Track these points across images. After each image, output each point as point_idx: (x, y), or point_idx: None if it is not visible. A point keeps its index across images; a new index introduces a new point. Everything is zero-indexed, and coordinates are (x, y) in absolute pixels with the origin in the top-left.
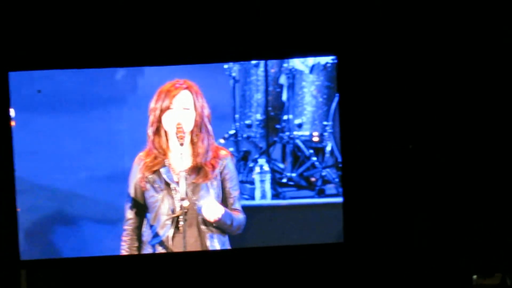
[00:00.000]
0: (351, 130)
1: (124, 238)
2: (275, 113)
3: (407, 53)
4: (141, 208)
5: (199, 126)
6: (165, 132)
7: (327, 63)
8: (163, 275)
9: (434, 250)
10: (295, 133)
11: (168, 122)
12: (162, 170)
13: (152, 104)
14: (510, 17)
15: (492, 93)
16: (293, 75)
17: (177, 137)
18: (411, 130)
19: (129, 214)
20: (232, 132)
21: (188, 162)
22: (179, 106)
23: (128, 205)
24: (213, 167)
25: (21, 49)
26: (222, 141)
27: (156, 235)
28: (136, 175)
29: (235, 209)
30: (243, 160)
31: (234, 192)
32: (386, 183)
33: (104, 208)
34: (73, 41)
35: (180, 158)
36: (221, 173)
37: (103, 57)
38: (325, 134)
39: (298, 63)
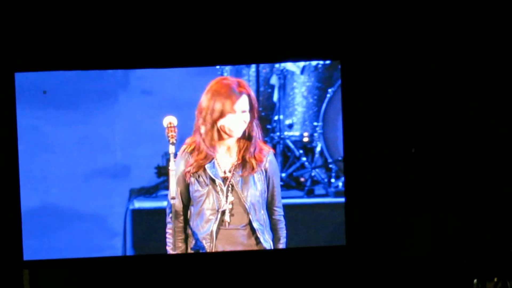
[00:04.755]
0: (354, 133)
1: (168, 231)
2: (266, 114)
3: (409, 57)
4: (185, 202)
5: (251, 125)
6: (219, 132)
7: (318, 64)
8: (158, 275)
9: (436, 253)
10: (285, 133)
11: (226, 124)
12: (207, 166)
13: (206, 102)
14: None
15: (495, 98)
16: (284, 76)
17: (168, 136)
18: (414, 134)
19: (172, 208)
20: None
21: (234, 159)
22: (239, 110)
23: (170, 198)
24: (259, 160)
25: (27, 50)
26: None
27: (200, 229)
28: (180, 167)
29: (275, 210)
30: None
31: (277, 187)
32: (388, 186)
33: (103, 206)
34: (75, 43)
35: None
36: (265, 169)
37: (101, 58)
38: (315, 134)
39: (289, 64)
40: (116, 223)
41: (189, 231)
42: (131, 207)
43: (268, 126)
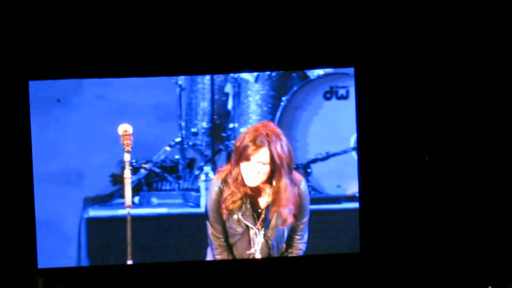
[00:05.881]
0: (368, 140)
1: (215, 251)
2: (221, 122)
3: (423, 65)
4: (221, 228)
5: (279, 176)
6: (241, 175)
7: (271, 72)
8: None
9: (450, 261)
10: None
11: (245, 171)
12: (239, 212)
13: (237, 141)
14: None
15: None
16: (238, 84)
17: (124, 144)
18: (428, 140)
19: (210, 232)
20: (178, 139)
21: (266, 203)
22: (257, 160)
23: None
24: (293, 218)
25: (41, 58)
26: (168, 148)
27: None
28: (215, 195)
29: (295, 243)
30: (189, 168)
31: (302, 219)
32: (403, 193)
33: (57, 213)
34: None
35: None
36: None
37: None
38: None
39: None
40: (70, 231)
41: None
42: (85, 215)
43: (223, 134)
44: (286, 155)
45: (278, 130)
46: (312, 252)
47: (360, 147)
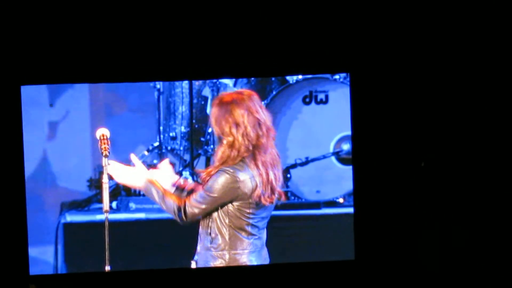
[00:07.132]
0: (363, 146)
1: None
2: (200, 126)
3: (418, 71)
4: None
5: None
6: None
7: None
8: None
9: (448, 268)
10: None
11: None
12: None
13: None
14: None
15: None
16: (217, 88)
17: (101, 149)
18: (423, 146)
19: None
20: (156, 144)
21: None
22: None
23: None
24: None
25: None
26: (146, 153)
27: None
28: None
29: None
30: None
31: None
32: (398, 199)
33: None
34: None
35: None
36: None
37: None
38: None
39: None
40: (47, 237)
41: None
42: (62, 220)
43: (202, 139)
44: (220, 122)
45: (240, 98)
46: (305, 260)
47: (355, 153)
